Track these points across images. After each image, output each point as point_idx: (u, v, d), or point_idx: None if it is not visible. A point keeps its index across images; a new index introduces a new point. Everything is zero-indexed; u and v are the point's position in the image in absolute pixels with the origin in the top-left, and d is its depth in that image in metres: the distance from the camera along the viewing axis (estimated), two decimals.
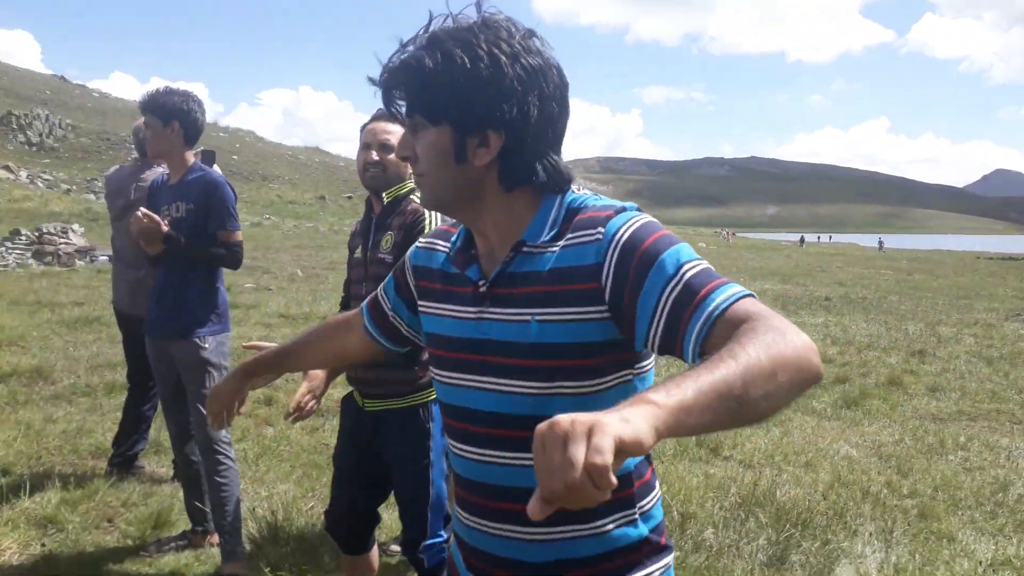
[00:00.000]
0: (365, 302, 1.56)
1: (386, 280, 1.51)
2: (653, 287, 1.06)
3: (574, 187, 1.23)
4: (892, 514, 4.15)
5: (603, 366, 1.16)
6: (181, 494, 3.96)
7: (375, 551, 2.71)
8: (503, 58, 1.12)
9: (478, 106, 1.13)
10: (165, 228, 3.02)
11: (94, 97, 61.77)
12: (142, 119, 3.40)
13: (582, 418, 0.77)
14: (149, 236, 3.01)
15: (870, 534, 3.84)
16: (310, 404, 2.53)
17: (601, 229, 1.14)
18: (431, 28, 1.16)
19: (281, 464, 4.59)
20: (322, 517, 3.60)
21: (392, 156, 2.48)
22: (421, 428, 2.44)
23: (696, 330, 1.01)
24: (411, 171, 2.47)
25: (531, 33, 1.17)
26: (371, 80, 1.20)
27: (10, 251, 14.53)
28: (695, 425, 0.86)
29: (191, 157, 3.28)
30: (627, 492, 1.22)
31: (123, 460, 4.33)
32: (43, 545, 3.47)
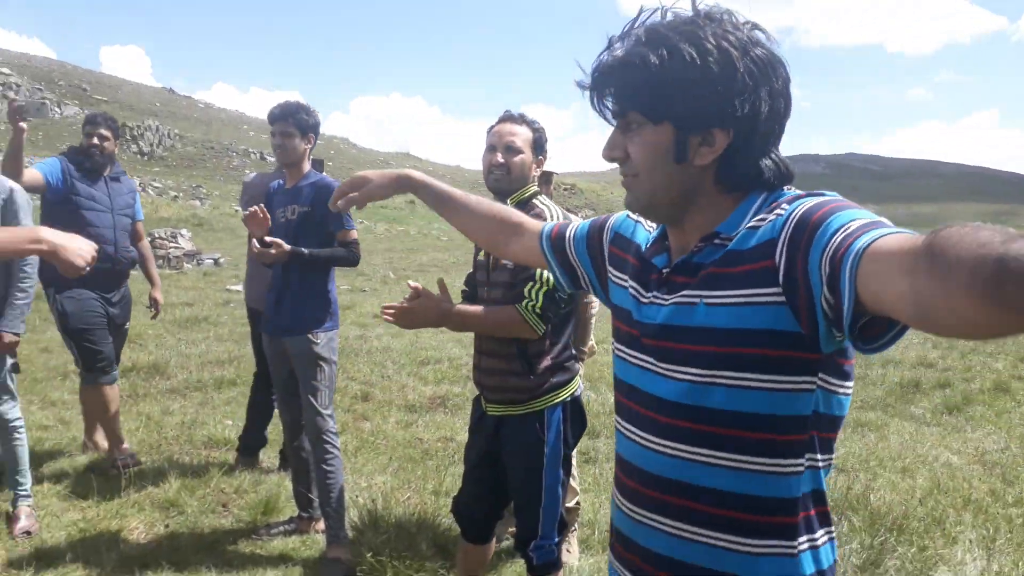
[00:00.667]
0: (545, 230, 1.57)
1: (578, 226, 1.53)
2: (816, 248, 0.96)
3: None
4: (995, 522, 4.01)
5: (774, 361, 1.06)
6: (287, 482, 4.24)
7: (491, 544, 2.80)
8: (733, 52, 1.07)
9: (707, 103, 1.08)
10: (287, 248, 3.25)
11: (199, 108, 65.11)
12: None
13: None
14: (277, 261, 3.27)
15: (970, 541, 3.73)
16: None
17: (785, 206, 1.07)
18: (644, 23, 1.12)
19: (378, 457, 4.81)
20: (418, 507, 3.80)
21: (517, 158, 2.52)
22: (536, 435, 2.48)
23: (847, 276, 0.89)
24: (534, 173, 2.59)
25: (755, 25, 1.11)
26: (579, 84, 1.18)
27: None
28: None
29: (307, 165, 3.54)
30: (789, 519, 1.12)
31: (248, 449, 4.61)
32: (166, 526, 3.78)
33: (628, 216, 1.40)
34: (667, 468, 1.18)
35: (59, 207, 4.23)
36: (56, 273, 3.73)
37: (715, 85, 1.07)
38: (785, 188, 1.16)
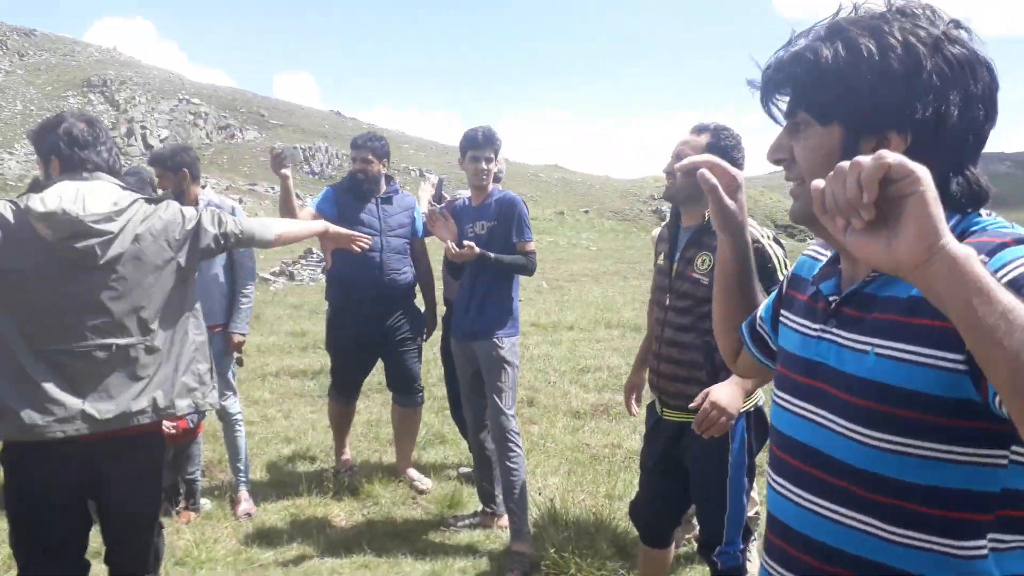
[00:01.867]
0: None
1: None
2: None
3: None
4: None
5: (956, 432, 0.94)
6: (464, 477, 4.52)
7: (671, 549, 2.87)
8: (921, 48, 0.98)
9: (882, 103, 0.98)
10: (478, 251, 3.51)
11: (363, 128, 69.15)
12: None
13: None
14: (464, 259, 3.54)
15: None
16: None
17: (985, 259, 0.86)
18: (836, 18, 1.05)
19: (548, 459, 4.99)
20: (593, 509, 3.93)
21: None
22: (721, 445, 2.48)
23: None
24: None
25: (957, 23, 1.01)
26: (750, 83, 1.12)
27: (304, 268, 16.83)
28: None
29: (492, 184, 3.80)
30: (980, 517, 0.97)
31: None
32: (364, 515, 4.14)
33: (804, 254, 1.32)
34: (830, 535, 1.06)
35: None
36: (337, 293, 4.38)
37: (894, 83, 0.98)
38: (981, 212, 1.04)
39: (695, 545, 3.25)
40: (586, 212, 47.40)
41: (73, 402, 2.25)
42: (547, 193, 50.81)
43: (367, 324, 4.31)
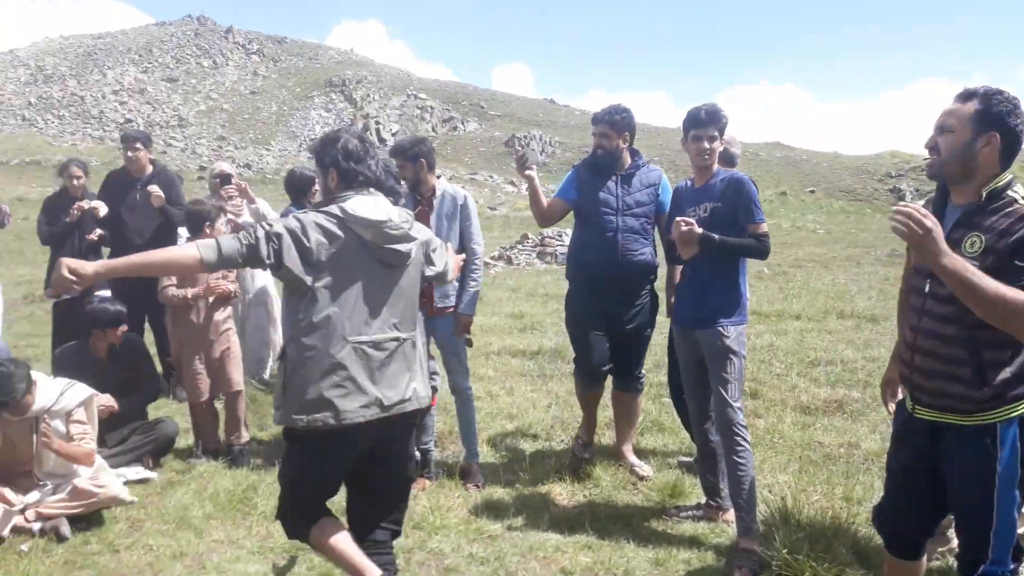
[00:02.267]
0: None
1: None
2: None
3: None
4: None
5: None
6: (685, 467, 4.43)
7: (923, 561, 2.62)
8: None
9: None
10: (699, 230, 3.40)
11: (576, 115, 69.90)
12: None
13: None
14: (686, 239, 3.42)
15: None
16: None
17: None
18: None
19: (776, 456, 4.75)
20: (829, 511, 3.67)
21: (945, 139, 2.27)
22: (986, 451, 2.23)
23: None
24: (982, 153, 2.25)
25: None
26: None
27: (520, 252, 17.37)
28: None
29: (717, 165, 3.65)
30: None
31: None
32: (585, 496, 4.19)
33: None
34: None
35: (578, 217, 4.34)
36: (573, 272, 4.42)
37: None
38: None
39: (952, 561, 2.94)
40: (812, 192, 44.42)
41: (372, 389, 2.61)
42: (768, 172, 48.18)
43: (600, 304, 4.23)
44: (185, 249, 2.50)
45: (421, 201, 4.34)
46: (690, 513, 3.88)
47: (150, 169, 5.97)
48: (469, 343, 4.51)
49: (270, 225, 2.56)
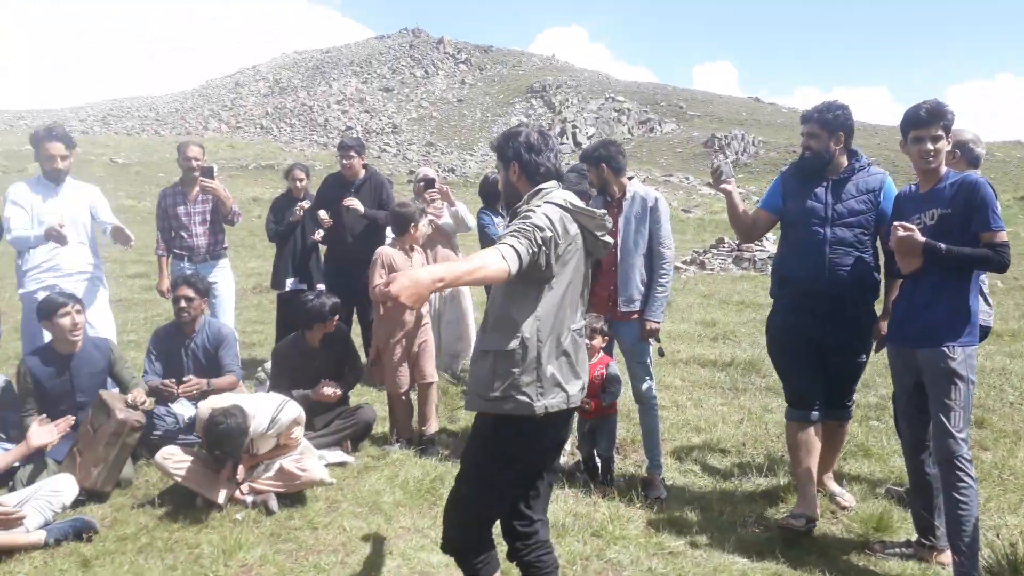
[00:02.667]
0: None
1: None
2: None
3: None
4: None
5: None
6: (894, 498, 4.00)
7: None
8: None
9: None
10: (922, 239, 3.06)
11: (783, 113, 66.44)
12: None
13: None
14: (906, 248, 3.09)
15: None
16: None
17: None
18: None
19: (1006, 494, 4.17)
20: None
21: None
22: None
23: None
24: None
25: None
26: None
27: (715, 257, 16.74)
28: None
29: (944, 167, 3.27)
30: None
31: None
32: (776, 521, 3.91)
33: None
34: None
35: (783, 227, 3.99)
36: (776, 287, 3.99)
37: None
38: None
39: None
40: None
41: (582, 374, 2.69)
42: (1006, 175, 43.02)
43: (805, 325, 3.76)
44: (498, 264, 2.37)
45: (611, 203, 4.28)
46: (897, 550, 3.50)
47: (362, 173, 6.40)
48: (661, 352, 4.39)
49: (541, 229, 2.47)
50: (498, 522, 2.73)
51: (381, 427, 5.21)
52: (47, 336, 4.57)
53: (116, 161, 34.44)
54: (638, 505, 4.08)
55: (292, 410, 4.21)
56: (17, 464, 4.04)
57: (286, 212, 6.56)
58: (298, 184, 6.59)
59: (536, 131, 2.76)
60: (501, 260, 2.36)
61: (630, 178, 4.39)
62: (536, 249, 2.43)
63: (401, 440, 4.97)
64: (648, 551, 3.56)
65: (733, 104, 71.67)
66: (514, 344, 2.53)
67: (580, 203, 2.66)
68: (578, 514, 3.91)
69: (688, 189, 37.39)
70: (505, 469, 2.62)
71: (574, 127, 58.34)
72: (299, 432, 4.27)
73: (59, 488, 3.75)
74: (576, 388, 2.64)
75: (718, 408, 5.91)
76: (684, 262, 16.08)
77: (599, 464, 4.42)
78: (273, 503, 3.97)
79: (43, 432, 3.96)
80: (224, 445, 3.86)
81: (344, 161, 6.32)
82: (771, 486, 4.31)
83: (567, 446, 4.40)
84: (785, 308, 3.91)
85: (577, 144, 52.53)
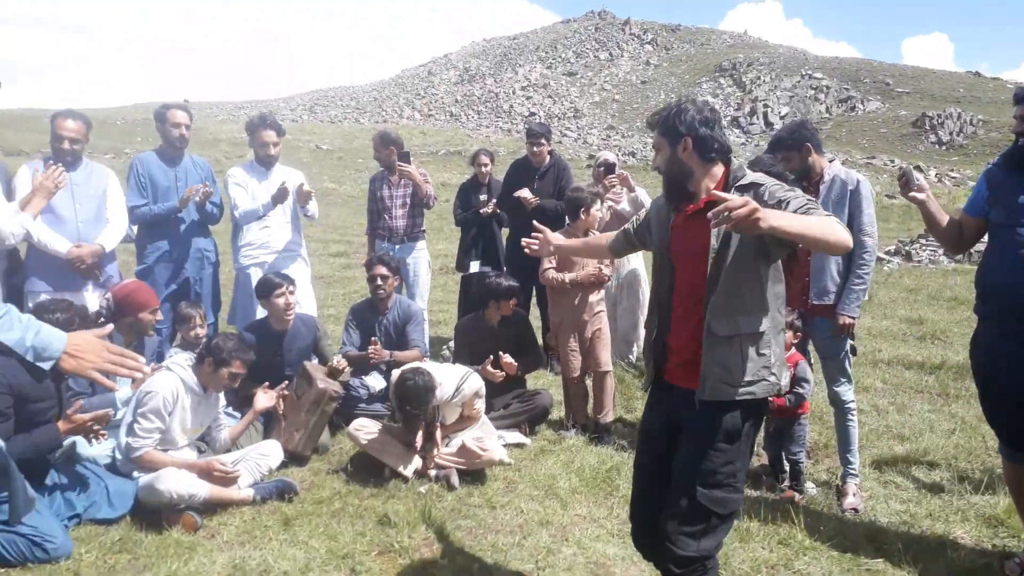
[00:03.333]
0: None
1: None
2: None
3: None
4: None
5: None
6: None
7: None
8: None
9: None
10: None
11: (1007, 88, 59.25)
12: None
13: None
14: None
15: None
16: None
17: None
18: None
19: None
20: None
21: None
22: None
23: None
24: None
25: None
26: None
27: (923, 248, 15.26)
28: None
29: None
30: None
31: None
32: (993, 546, 3.49)
33: None
34: None
35: (990, 229, 3.38)
36: (979, 302, 3.38)
37: None
38: None
39: None
40: None
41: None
42: None
43: (1015, 349, 3.11)
44: (846, 233, 2.25)
45: (807, 187, 3.97)
46: None
47: (548, 160, 6.43)
48: (853, 350, 4.03)
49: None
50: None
51: (558, 411, 5.23)
52: (259, 311, 5.00)
53: (321, 147, 37.31)
54: (830, 516, 3.79)
55: (475, 382, 4.37)
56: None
57: (471, 197, 6.74)
58: (483, 169, 6.75)
59: (707, 105, 2.59)
60: (845, 230, 2.24)
61: (830, 160, 4.05)
62: None
63: (577, 426, 4.96)
64: (842, 566, 3.30)
65: (948, 79, 64.91)
66: (765, 325, 2.43)
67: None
68: (764, 519, 3.70)
69: (892, 172, 34.41)
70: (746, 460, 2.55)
71: (766, 106, 55.44)
72: (481, 405, 4.42)
73: (267, 452, 4.10)
74: (787, 376, 2.56)
75: (925, 415, 5.37)
76: (887, 252, 14.79)
77: (787, 468, 4.16)
78: (455, 479, 4.10)
79: (266, 398, 4.40)
80: (412, 400, 4.05)
81: (535, 148, 6.38)
82: (988, 506, 3.84)
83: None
84: (992, 331, 3.26)
85: (768, 124, 49.93)
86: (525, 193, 6.15)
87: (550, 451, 4.59)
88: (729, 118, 51.16)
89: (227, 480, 3.74)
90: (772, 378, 2.44)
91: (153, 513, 3.57)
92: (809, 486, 4.14)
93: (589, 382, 5.11)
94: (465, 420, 4.46)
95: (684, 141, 2.52)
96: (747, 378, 2.40)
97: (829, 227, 2.18)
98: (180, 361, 3.91)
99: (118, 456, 3.82)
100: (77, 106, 7.34)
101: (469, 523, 3.67)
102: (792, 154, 3.97)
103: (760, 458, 4.36)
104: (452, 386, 4.29)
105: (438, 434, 4.29)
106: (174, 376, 3.81)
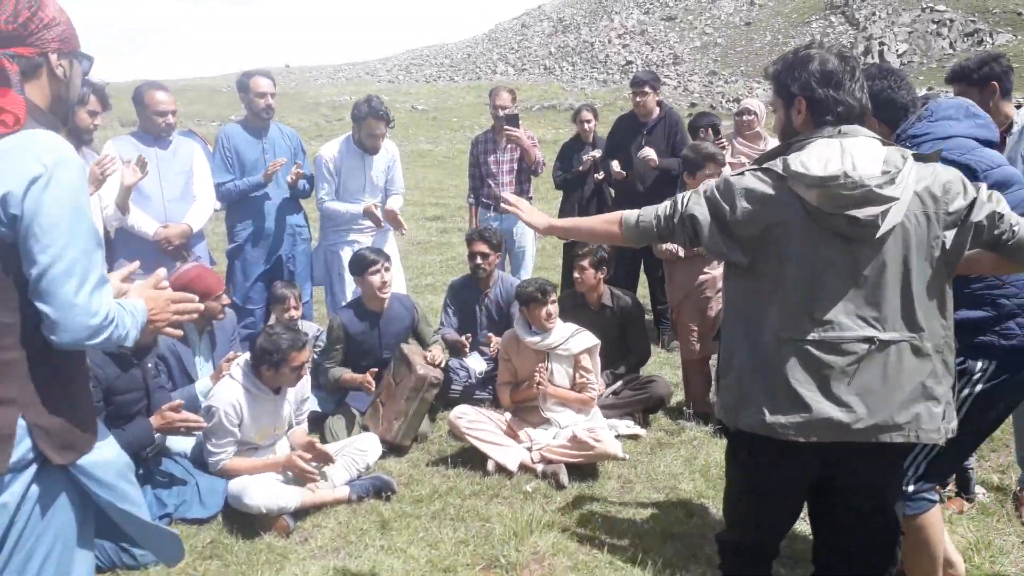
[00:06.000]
0: None
1: None
2: None
3: None
4: None
5: None
6: None
7: None
8: None
9: None
10: None
11: None
12: None
13: None
14: None
15: None
16: None
17: None
18: None
19: None
20: None
21: None
22: None
23: None
24: None
25: None
26: None
27: None
28: None
29: None
30: None
31: None
32: None
33: None
34: None
35: None
36: None
37: None
38: None
39: None
40: None
41: (820, 405, 1.93)
42: None
43: None
44: (610, 219, 2.29)
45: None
46: None
47: (656, 112, 5.84)
48: None
49: (685, 205, 2.08)
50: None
51: (676, 396, 4.74)
52: (347, 290, 4.71)
53: (416, 108, 37.32)
54: (1011, 530, 3.20)
55: (585, 338, 4.12)
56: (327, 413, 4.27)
57: (574, 158, 6.22)
58: (586, 127, 6.20)
59: (836, 55, 1.99)
60: (617, 219, 2.32)
61: (1018, 106, 3.34)
62: (661, 224, 2.24)
63: (698, 415, 4.47)
64: None
65: None
66: (724, 337, 2.14)
67: (836, 163, 1.87)
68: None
69: None
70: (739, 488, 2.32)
71: (881, 44, 51.54)
72: (592, 378, 4.12)
73: (365, 448, 3.81)
74: (803, 417, 2.03)
75: None
76: None
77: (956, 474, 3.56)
78: (564, 476, 3.73)
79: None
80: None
81: (638, 99, 5.81)
82: None
83: None
84: None
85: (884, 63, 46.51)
86: (649, 153, 5.57)
87: (668, 444, 4.14)
88: None
89: (307, 478, 3.47)
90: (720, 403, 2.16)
91: (244, 513, 3.36)
92: (979, 490, 3.53)
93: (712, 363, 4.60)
94: (575, 402, 4.08)
95: (797, 102, 2.01)
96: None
97: None
98: (243, 364, 3.59)
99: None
100: (180, 74, 7.17)
101: (582, 532, 3.29)
102: (971, 90, 3.25)
103: None
104: (564, 333, 4.10)
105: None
106: (236, 385, 3.51)
